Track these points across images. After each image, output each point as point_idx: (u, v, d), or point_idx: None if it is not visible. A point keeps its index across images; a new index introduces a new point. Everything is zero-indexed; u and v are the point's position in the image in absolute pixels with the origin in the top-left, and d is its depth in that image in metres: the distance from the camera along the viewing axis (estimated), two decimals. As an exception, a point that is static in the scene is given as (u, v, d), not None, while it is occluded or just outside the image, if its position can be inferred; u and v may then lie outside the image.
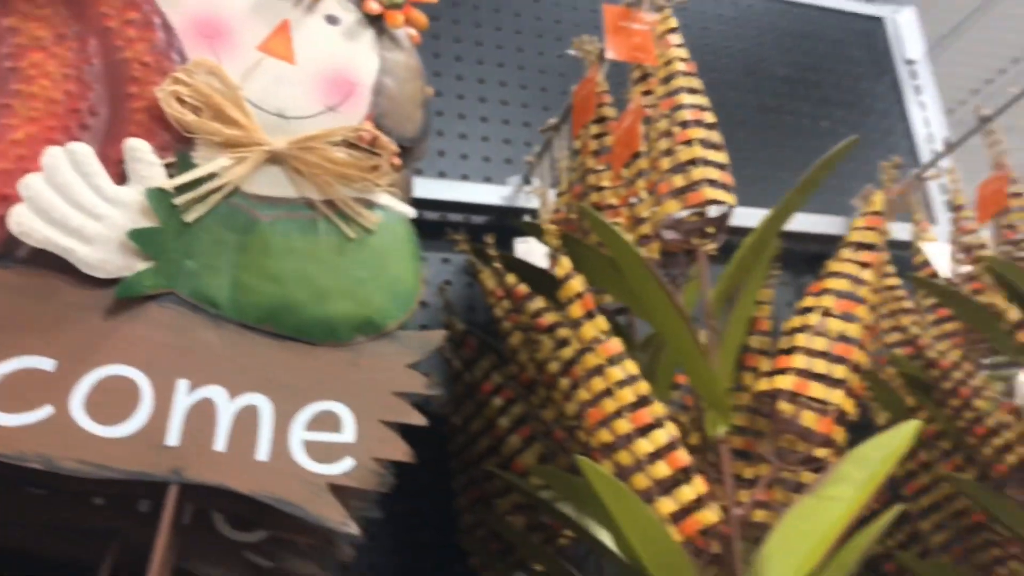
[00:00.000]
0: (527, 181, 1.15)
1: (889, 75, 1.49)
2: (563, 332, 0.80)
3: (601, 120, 0.90)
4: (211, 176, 0.62)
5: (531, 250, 1.06)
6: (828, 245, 1.32)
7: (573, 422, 0.78)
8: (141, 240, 0.60)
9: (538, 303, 0.81)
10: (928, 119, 1.47)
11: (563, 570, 0.85)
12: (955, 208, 1.16)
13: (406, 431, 1.04)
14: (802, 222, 1.29)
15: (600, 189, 0.88)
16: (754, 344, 0.79)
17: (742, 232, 1.25)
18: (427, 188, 1.12)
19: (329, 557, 0.71)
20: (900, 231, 1.28)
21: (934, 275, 1.17)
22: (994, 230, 1.08)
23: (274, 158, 0.65)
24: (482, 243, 0.91)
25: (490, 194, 1.15)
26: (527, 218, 1.14)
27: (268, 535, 0.63)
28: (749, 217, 1.25)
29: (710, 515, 0.63)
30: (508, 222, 1.14)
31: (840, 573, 0.68)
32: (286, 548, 0.64)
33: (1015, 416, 0.96)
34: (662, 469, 0.63)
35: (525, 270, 0.86)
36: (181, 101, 0.64)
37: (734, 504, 0.68)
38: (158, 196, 0.61)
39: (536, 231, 0.93)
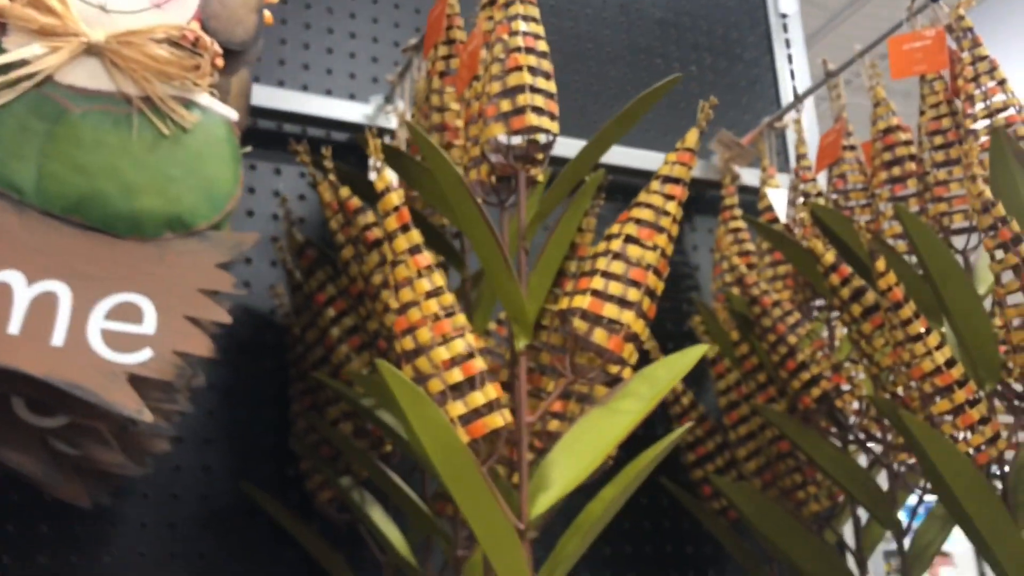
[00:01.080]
0: (388, 100, 1.16)
1: (761, 26, 1.53)
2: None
3: (450, 42, 0.91)
4: (21, 63, 0.62)
5: (385, 169, 1.07)
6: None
7: (392, 332, 0.81)
8: (-58, 121, 0.59)
9: (369, 217, 0.84)
10: (795, 71, 1.52)
11: (382, 475, 0.88)
12: (798, 157, 1.22)
13: (253, 342, 1.06)
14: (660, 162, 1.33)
15: (443, 110, 0.90)
16: (572, 268, 0.83)
17: (610, 169, 1.29)
18: (287, 101, 1.12)
19: (138, 448, 0.73)
20: (751, 177, 1.34)
21: (775, 220, 1.23)
22: (828, 179, 1.14)
23: (92, 50, 0.65)
24: (320, 156, 0.92)
25: (352, 111, 1.15)
26: (387, 139, 1.15)
27: (69, 421, 0.64)
28: (616, 154, 1.30)
29: (498, 419, 0.67)
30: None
31: (627, 480, 0.73)
32: (89, 436, 0.66)
33: (823, 353, 1.03)
34: (456, 375, 0.67)
35: (362, 184, 0.88)
36: (-5, -16, 0.63)
37: (526, 412, 0.72)
38: (-36, 79, 0.61)
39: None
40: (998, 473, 0.90)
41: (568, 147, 1.05)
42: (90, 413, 0.62)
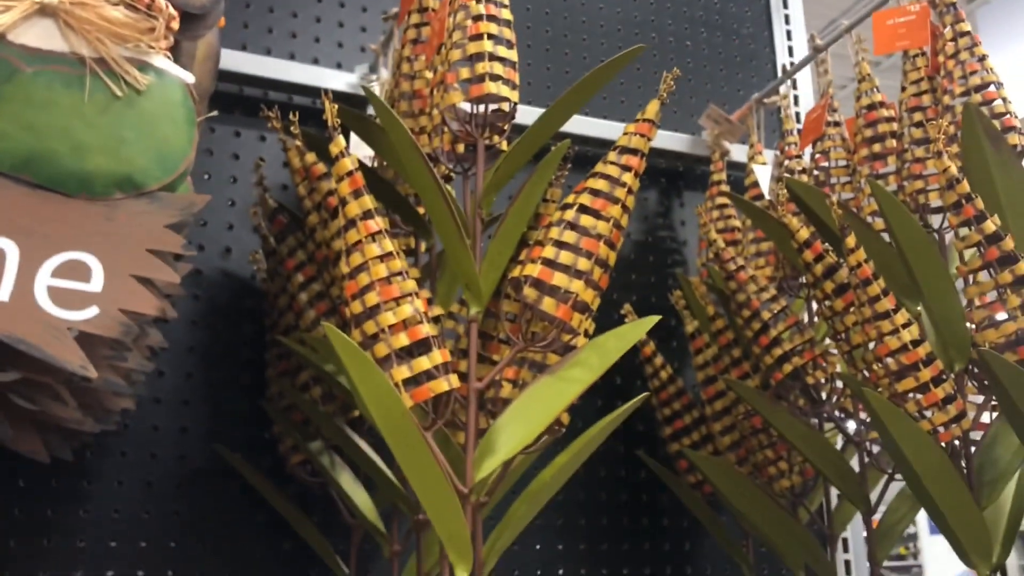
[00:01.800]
0: (373, 70, 1.16)
1: (760, 1, 1.51)
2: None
3: (423, 10, 0.91)
4: (-26, 22, 0.63)
5: (365, 138, 1.08)
6: (676, 161, 1.37)
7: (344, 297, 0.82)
8: None
9: (332, 183, 0.84)
10: (793, 48, 1.50)
11: (348, 439, 0.90)
12: (783, 133, 1.21)
13: (232, 307, 1.08)
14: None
15: (414, 78, 0.90)
16: (534, 238, 0.83)
17: (595, 142, 1.29)
18: (273, 69, 1.13)
19: (98, 405, 0.74)
20: (741, 153, 1.33)
21: (759, 196, 1.22)
22: (812, 156, 1.13)
23: (45, 10, 0.65)
24: (289, 122, 0.92)
25: (337, 80, 1.16)
26: (371, 108, 1.16)
27: (22, 376, 0.65)
28: (606, 129, 1.29)
29: (443, 384, 0.68)
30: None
31: (579, 447, 0.74)
32: (43, 391, 0.67)
33: (797, 330, 1.02)
34: (402, 339, 0.68)
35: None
36: (-49, -56, 0.64)
37: (475, 379, 0.73)
38: (-83, 37, 0.62)
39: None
40: (963, 453, 0.90)
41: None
42: (38, 368, 0.63)
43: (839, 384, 1.06)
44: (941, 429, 0.87)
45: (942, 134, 0.82)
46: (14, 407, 0.70)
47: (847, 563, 1.21)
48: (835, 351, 1.06)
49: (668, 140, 1.35)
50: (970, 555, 0.86)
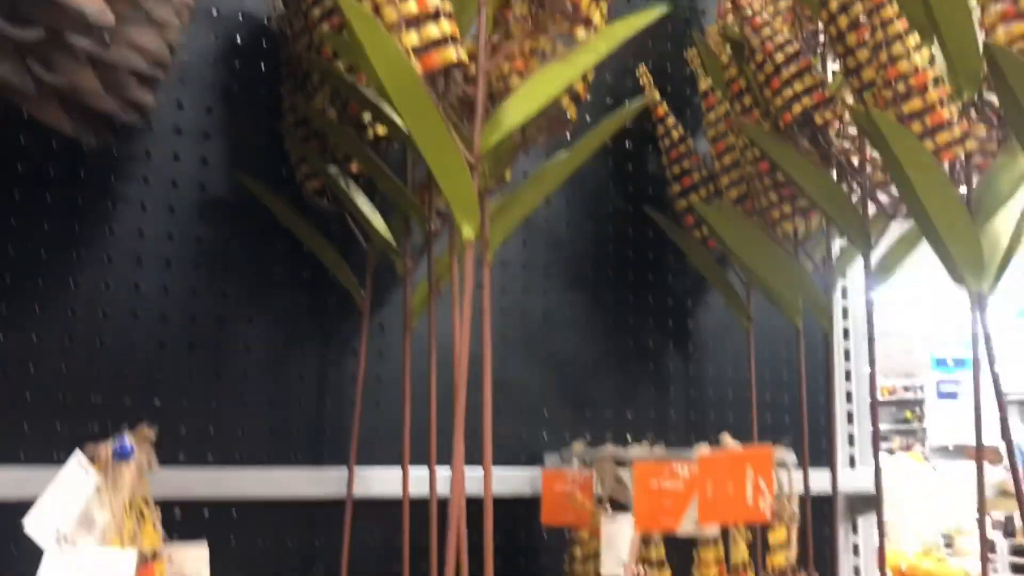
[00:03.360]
0: None
1: None
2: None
3: None
4: None
5: None
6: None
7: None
8: None
9: None
10: None
11: (365, 156, 0.92)
12: None
13: (248, 46, 1.09)
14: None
15: None
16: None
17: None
18: None
19: (119, 89, 0.77)
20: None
21: (780, -46, 1.20)
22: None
23: None
24: None
25: None
26: None
27: (45, 36, 0.67)
28: None
29: (451, 53, 0.69)
30: None
31: (582, 145, 0.77)
32: (64, 54, 0.69)
33: (807, 71, 1.03)
34: (411, 7, 0.69)
35: None
36: None
37: (487, 58, 0.74)
38: None
39: None
40: (965, 177, 0.91)
41: None
42: (59, 16, 0.65)
43: (852, 131, 1.07)
44: (940, 149, 0.89)
45: None
46: (38, 82, 0.72)
47: (844, 309, 1.25)
48: (849, 100, 1.06)
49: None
50: (962, 271, 0.89)
